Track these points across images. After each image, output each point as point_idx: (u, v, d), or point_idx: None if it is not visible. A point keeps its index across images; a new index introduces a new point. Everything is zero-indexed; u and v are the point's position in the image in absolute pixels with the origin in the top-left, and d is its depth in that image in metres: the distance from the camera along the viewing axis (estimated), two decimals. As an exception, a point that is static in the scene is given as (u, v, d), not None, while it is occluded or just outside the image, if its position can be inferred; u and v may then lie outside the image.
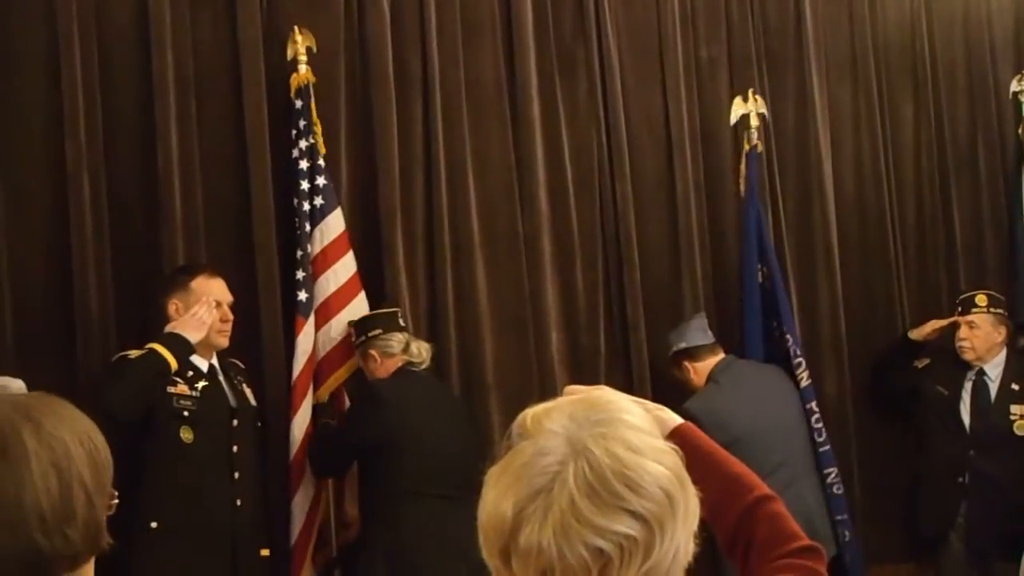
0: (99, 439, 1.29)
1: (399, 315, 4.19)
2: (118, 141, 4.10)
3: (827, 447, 4.56)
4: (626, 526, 1.19)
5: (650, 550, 1.20)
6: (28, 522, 1.18)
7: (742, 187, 4.89)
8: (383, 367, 4.08)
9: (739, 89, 5.11)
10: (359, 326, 4.13)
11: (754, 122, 4.92)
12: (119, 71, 4.13)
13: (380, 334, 4.10)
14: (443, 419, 4.04)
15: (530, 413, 1.30)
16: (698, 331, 4.58)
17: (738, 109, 4.94)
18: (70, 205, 3.95)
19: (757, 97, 4.97)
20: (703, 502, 1.28)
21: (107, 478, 1.28)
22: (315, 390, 4.12)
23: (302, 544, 4.00)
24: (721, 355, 4.57)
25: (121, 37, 4.14)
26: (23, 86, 4.01)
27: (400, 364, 4.09)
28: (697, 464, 1.31)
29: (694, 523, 1.26)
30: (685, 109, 4.98)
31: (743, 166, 4.91)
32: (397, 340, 4.10)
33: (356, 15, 4.46)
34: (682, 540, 1.24)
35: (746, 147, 4.91)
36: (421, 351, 4.13)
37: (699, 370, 4.55)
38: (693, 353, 4.56)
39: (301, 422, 4.02)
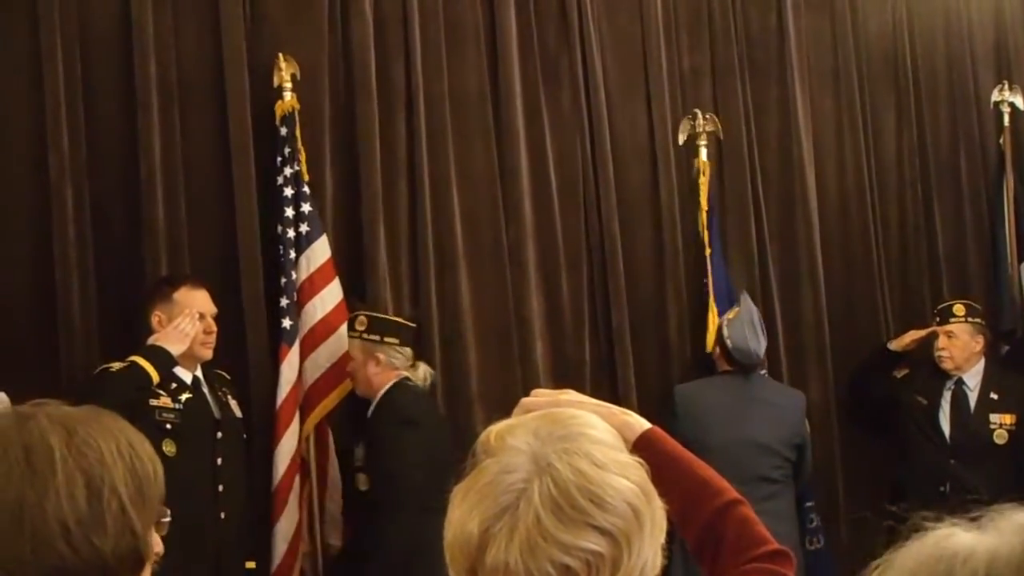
0: (145, 450, 1.25)
1: (415, 334, 4.21)
2: (101, 152, 4.09)
3: None
4: (592, 542, 1.19)
5: (617, 565, 1.20)
6: (51, 530, 1.14)
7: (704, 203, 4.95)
8: (378, 375, 4.05)
9: (722, 99, 5.14)
10: (379, 324, 4.10)
11: (702, 141, 4.98)
12: (102, 81, 4.12)
13: (395, 344, 4.08)
14: (443, 436, 4.05)
15: (493, 430, 1.30)
16: (752, 341, 4.57)
17: (686, 129, 4.99)
18: (53, 215, 3.94)
19: (708, 116, 5.03)
20: (671, 506, 1.28)
21: (152, 491, 1.24)
22: (303, 418, 4.10)
23: (284, 569, 3.99)
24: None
25: (104, 47, 4.13)
26: (5, 96, 4.00)
27: (396, 379, 4.06)
28: (665, 469, 1.31)
29: (661, 536, 1.26)
30: (669, 119, 5.00)
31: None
32: (405, 355, 4.10)
33: (340, 25, 4.46)
34: (649, 554, 1.24)
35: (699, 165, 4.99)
36: (427, 376, 4.16)
37: (721, 360, 4.62)
38: (729, 357, 4.59)
39: (287, 450, 4.01)
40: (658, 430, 1.65)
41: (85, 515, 1.16)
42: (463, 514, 1.24)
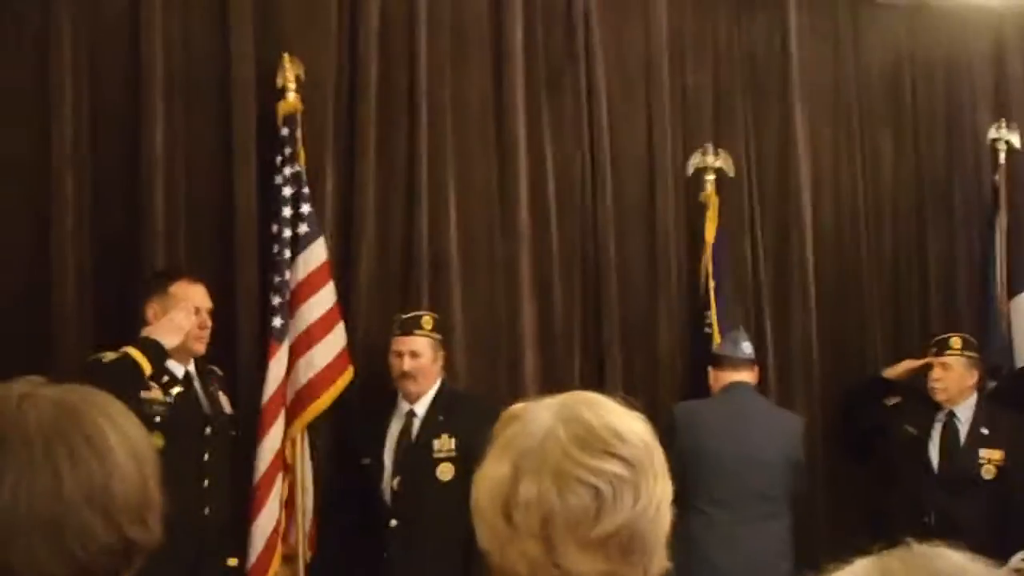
0: (147, 433, 1.30)
1: None
2: (103, 141, 4.09)
3: None
4: (617, 467, 1.28)
5: (638, 491, 1.28)
6: (119, 511, 1.19)
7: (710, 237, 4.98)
8: (437, 373, 4.22)
9: (723, 118, 5.18)
10: (439, 324, 4.27)
11: (709, 176, 5.01)
12: (108, 69, 4.11)
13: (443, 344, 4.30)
14: None
15: (515, 406, 1.38)
16: (731, 342, 4.62)
17: (694, 161, 5.03)
18: (53, 201, 3.93)
19: (719, 151, 5.06)
20: None
21: (157, 471, 1.28)
22: (292, 420, 4.10)
23: (259, 570, 3.98)
24: (744, 376, 4.57)
25: (113, 35, 4.12)
26: (11, 77, 3.98)
27: (442, 376, 4.26)
28: None
29: (668, 483, 1.34)
30: (669, 136, 5.03)
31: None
32: None
33: (348, 29, 4.46)
34: (661, 494, 1.32)
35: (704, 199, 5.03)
36: None
37: (716, 378, 4.61)
38: (716, 360, 4.62)
39: (270, 448, 4.00)
40: None
41: (140, 495, 1.21)
42: (493, 463, 1.32)
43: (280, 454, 4.06)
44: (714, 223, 4.97)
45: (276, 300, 4.09)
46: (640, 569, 1.29)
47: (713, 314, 4.84)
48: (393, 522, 4.07)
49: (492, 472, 1.31)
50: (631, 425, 1.33)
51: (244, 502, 3.97)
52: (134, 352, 3.54)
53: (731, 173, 5.08)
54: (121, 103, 4.12)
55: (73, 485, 1.16)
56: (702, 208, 5.01)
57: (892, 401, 4.96)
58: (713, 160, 5.04)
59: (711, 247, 4.95)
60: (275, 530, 4.03)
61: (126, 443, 1.22)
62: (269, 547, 4.01)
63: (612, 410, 1.34)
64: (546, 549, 1.25)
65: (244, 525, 3.98)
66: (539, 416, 1.33)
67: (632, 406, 1.38)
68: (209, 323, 3.82)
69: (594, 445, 1.28)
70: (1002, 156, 5.40)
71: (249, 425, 4.04)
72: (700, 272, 4.99)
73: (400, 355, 4.17)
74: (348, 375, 4.23)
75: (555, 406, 1.34)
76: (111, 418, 1.23)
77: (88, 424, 1.21)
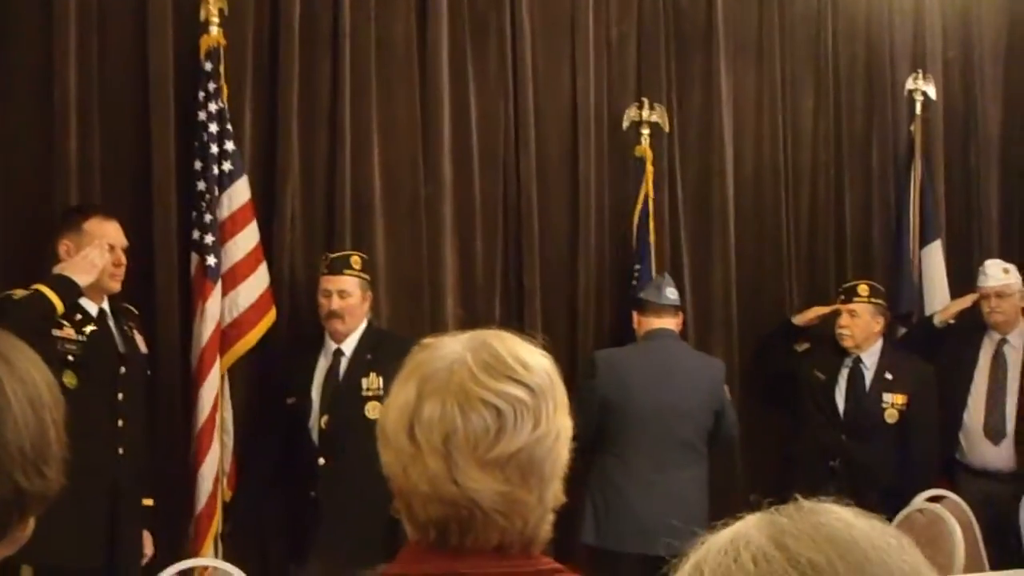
0: (52, 378, 1.24)
1: None
2: (14, 75, 3.98)
3: None
4: (519, 391, 1.32)
5: (539, 417, 1.33)
6: (11, 459, 1.13)
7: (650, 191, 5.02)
8: (365, 313, 4.22)
9: (647, 69, 5.18)
10: (367, 265, 4.25)
11: (644, 130, 5.03)
12: (17, 1, 3.99)
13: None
14: None
15: (426, 339, 1.42)
16: (655, 288, 4.63)
17: (629, 115, 5.04)
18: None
19: (656, 105, 5.08)
20: None
21: (64, 417, 1.23)
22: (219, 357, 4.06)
23: (208, 513, 3.98)
24: (667, 322, 4.58)
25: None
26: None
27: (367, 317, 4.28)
28: None
29: (568, 418, 1.38)
30: (592, 86, 5.03)
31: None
32: None
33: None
34: (560, 425, 1.36)
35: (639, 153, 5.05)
36: None
37: (640, 323, 4.62)
38: (640, 305, 4.63)
39: (210, 390, 3.98)
40: None
41: (37, 444, 1.16)
42: (399, 388, 1.35)
43: (219, 397, 4.04)
44: (651, 176, 5.00)
45: (209, 239, 4.04)
46: (536, 495, 1.32)
47: (652, 266, 4.90)
48: (321, 460, 4.07)
49: (398, 397, 1.34)
50: (537, 358, 1.37)
51: (160, 442, 3.96)
52: (45, 290, 3.48)
53: (666, 128, 5.11)
54: (32, 35, 4.00)
55: (16, 427, 1.12)
56: (637, 161, 5.03)
57: (802, 347, 5.08)
58: (648, 114, 5.06)
59: (652, 201, 4.99)
60: (218, 476, 4.02)
61: (23, 388, 1.17)
62: (215, 491, 4.01)
63: (520, 343, 1.38)
64: (447, 466, 1.29)
65: (182, 469, 3.98)
66: (448, 345, 1.37)
67: (549, 348, 1.39)
68: (124, 261, 3.75)
69: (499, 370, 1.33)
70: (918, 107, 5.50)
71: (165, 365, 4.01)
72: (633, 223, 5.00)
73: (328, 294, 4.15)
74: (271, 316, 4.22)
75: (465, 338, 1.38)
76: (9, 362, 1.18)
77: (15, 365, 1.16)
